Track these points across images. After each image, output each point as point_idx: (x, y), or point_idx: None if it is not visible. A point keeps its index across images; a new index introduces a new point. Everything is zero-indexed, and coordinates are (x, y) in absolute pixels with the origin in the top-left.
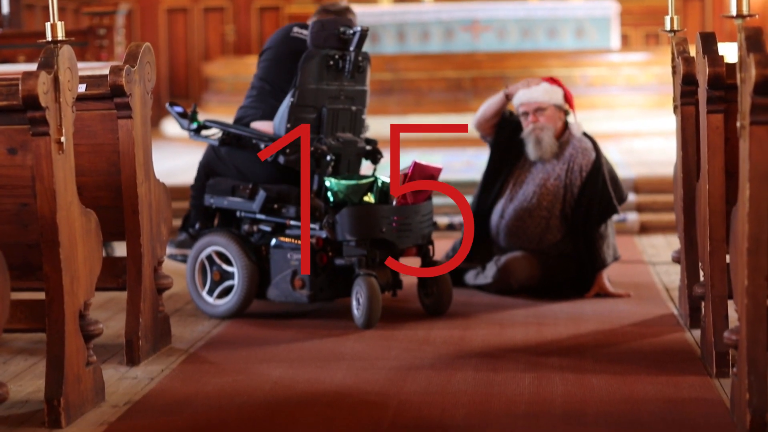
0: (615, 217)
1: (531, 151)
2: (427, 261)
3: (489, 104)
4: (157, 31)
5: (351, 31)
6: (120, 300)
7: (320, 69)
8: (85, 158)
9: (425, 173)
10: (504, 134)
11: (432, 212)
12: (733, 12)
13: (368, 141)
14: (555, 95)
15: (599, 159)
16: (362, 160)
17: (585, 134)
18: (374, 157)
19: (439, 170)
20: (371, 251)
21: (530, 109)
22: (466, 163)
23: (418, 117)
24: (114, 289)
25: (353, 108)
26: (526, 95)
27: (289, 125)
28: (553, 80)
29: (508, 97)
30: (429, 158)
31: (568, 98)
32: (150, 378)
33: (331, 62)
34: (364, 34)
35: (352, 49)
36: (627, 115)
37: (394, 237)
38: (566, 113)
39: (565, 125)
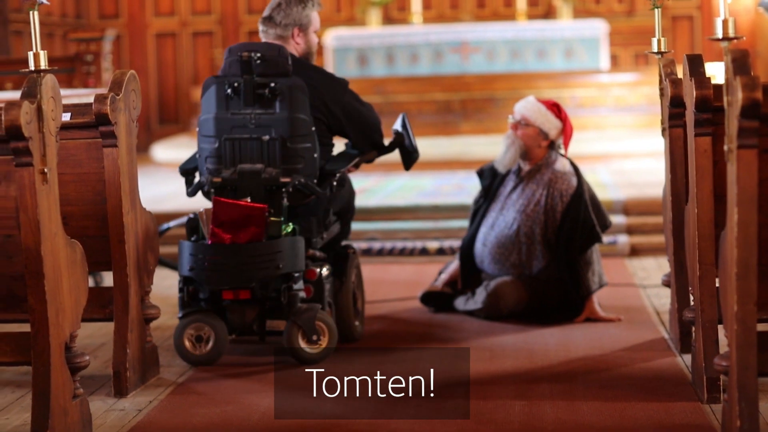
0: (605, 240)
1: (498, 155)
2: (270, 307)
3: None
4: (145, 55)
5: (256, 56)
6: (107, 330)
7: (218, 97)
8: (70, 187)
9: (240, 213)
10: (488, 180)
11: (273, 254)
12: (719, 34)
13: (323, 172)
14: (545, 121)
15: (581, 185)
16: (280, 192)
17: (566, 158)
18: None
19: (261, 209)
20: (186, 289)
21: (515, 119)
22: (457, 186)
23: None
24: (101, 319)
25: (265, 137)
26: (521, 104)
27: (197, 156)
28: (558, 111)
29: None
30: (418, 182)
31: (565, 134)
32: (138, 409)
33: (229, 89)
34: (265, 58)
35: (257, 73)
36: (616, 136)
37: (202, 277)
38: (551, 144)
39: (548, 151)
